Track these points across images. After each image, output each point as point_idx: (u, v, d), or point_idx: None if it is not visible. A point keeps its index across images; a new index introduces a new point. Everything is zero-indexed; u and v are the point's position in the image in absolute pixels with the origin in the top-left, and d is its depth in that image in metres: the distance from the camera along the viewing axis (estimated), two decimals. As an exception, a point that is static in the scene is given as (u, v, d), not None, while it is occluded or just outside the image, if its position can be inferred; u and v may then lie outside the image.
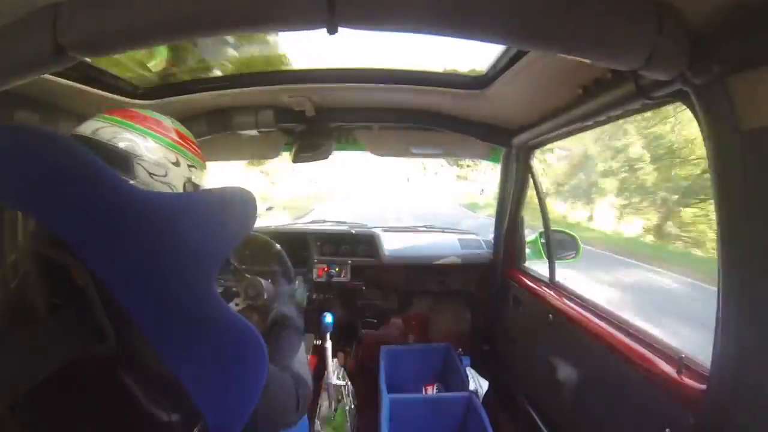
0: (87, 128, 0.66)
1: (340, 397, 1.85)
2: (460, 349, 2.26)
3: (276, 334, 0.98)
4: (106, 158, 0.60)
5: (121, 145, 0.65)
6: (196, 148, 0.76)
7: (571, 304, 1.52)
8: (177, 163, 0.71)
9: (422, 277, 2.47)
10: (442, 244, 2.48)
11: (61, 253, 0.56)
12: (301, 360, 0.89)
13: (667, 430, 0.95)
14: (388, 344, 2.33)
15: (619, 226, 13.95)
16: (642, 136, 14.00)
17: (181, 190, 0.70)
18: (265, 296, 1.34)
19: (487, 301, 2.31)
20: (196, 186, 0.73)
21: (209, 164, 0.83)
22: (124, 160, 0.65)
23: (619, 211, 14.47)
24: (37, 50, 0.72)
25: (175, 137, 0.72)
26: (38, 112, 1.16)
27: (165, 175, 0.68)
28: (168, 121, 0.73)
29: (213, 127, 1.70)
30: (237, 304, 1.52)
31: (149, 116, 0.71)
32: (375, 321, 2.50)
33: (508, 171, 2.00)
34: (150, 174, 0.67)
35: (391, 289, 2.50)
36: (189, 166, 0.73)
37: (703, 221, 10.78)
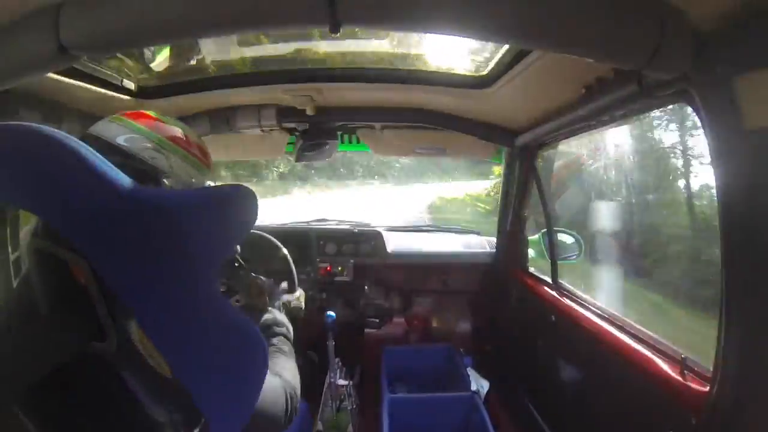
0: (112, 133, 0.66)
1: (342, 397, 1.84)
2: (462, 349, 2.26)
3: (266, 339, 0.97)
4: (132, 168, 0.61)
5: (151, 160, 0.66)
6: (210, 162, 0.78)
7: (574, 305, 1.52)
8: (197, 180, 0.72)
9: (424, 276, 2.47)
10: (445, 244, 2.48)
11: (63, 250, 0.56)
12: (292, 368, 0.89)
13: (670, 431, 0.95)
14: (390, 344, 2.32)
15: None
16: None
17: None
18: (267, 297, 1.34)
19: (489, 301, 2.30)
20: None
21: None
22: (152, 174, 0.66)
23: None
24: (39, 49, 0.72)
25: (198, 153, 0.74)
26: (41, 111, 1.17)
27: None
28: (192, 136, 0.75)
29: (215, 126, 1.71)
30: (237, 301, 1.52)
31: (176, 130, 0.72)
32: (377, 320, 2.49)
33: (511, 171, 1.99)
34: (171, 189, 0.68)
35: (393, 288, 2.50)
36: (204, 182, 0.75)
37: None
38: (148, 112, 0.72)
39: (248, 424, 0.64)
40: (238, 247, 1.61)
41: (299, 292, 1.34)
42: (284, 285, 1.39)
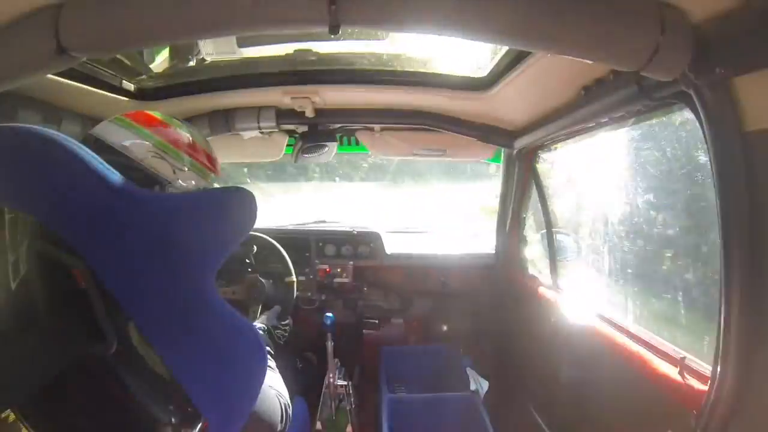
0: (115, 137, 0.65)
1: (341, 397, 1.84)
2: (461, 350, 2.26)
3: None
4: (135, 171, 0.61)
5: (153, 168, 0.66)
6: (217, 167, 0.77)
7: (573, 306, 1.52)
8: (202, 186, 0.72)
9: (423, 278, 2.47)
10: (444, 245, 2.48)
11: (63, 253, 0.56)
12: (279, 380, 0.90)
13: (669, 431, 0.95)
14: (388, 345, 2.33)
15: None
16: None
17: None
18: (261, 303, 1.35)
19: (489, 302, 2.31)
20: None
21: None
22: (156, 181, 0.66)
23: None
24: (39, 50, 0.72)
25: (204, 160, 0.73)
26: (41, 113, 1.16)
27: None
28: (200, 140, 0.73)
29: (215, 128, 1.70)
30: (234, 293, 1.53)
31: (182, 134, 0.71)
32: (376, 322, 2.49)
33: (510, 172, 1.99)
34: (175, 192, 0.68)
35: (392, 289, 2.50)
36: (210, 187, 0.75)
37: None
38: (153, 114, 0.71)
39: (249, 429, 0.65)
40: (255, 247, 1.63)
41: (288, 321, 1.36)
42: (278, 308, 1.39)
